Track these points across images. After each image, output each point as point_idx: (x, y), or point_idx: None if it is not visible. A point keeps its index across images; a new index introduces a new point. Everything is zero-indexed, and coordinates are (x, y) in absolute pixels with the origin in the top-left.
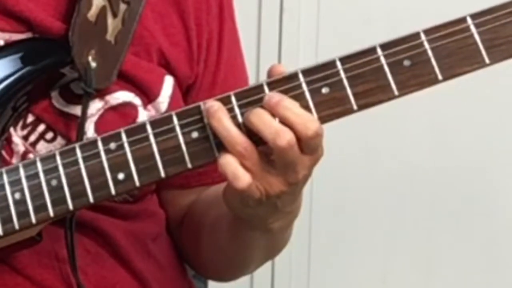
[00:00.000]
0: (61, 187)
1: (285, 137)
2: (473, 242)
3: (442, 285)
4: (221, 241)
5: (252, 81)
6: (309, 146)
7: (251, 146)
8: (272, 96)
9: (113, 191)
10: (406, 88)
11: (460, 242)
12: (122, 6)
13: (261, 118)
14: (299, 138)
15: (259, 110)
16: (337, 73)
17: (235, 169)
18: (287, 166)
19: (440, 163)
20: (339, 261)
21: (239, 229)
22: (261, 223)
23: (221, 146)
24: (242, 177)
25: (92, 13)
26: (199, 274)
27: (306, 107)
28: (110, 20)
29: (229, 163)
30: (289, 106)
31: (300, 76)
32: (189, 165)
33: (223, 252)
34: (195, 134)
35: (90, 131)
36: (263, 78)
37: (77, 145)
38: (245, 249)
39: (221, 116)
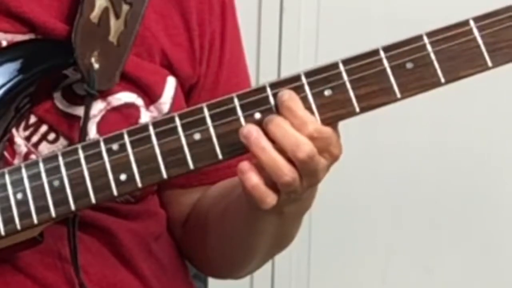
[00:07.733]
0: (63, 188)
1: (305, 150)
2: (473, 242)
3: (442, 284)
4: (230, 230)
5: (251, 81)
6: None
7: (296, 173)
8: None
9: (115, 192)
10: (408, 90)
11: (460, 242)
12: (125, 7)
13: (280, 129)
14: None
15: (278, 120)
16: (339, 76)
17: (263, 194)
18: (309, 174)
19: (440, 163)
20: (339, 260)
21: (253, 215)
22: (277, 207)
23: (224, 148)
24: (270, 201)
25: (94, 15)
26: (203, 272)
27: (309, 109)
28: (112, 21)
29: (256, 187)
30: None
31: (303, 78)
32: (192, 167)
33: (232, 241)
34: (197, 136)
35: (92, 132)
36: (263, 78)
37: (79, 146)
38: (255, 236)
39: (265, 146)
